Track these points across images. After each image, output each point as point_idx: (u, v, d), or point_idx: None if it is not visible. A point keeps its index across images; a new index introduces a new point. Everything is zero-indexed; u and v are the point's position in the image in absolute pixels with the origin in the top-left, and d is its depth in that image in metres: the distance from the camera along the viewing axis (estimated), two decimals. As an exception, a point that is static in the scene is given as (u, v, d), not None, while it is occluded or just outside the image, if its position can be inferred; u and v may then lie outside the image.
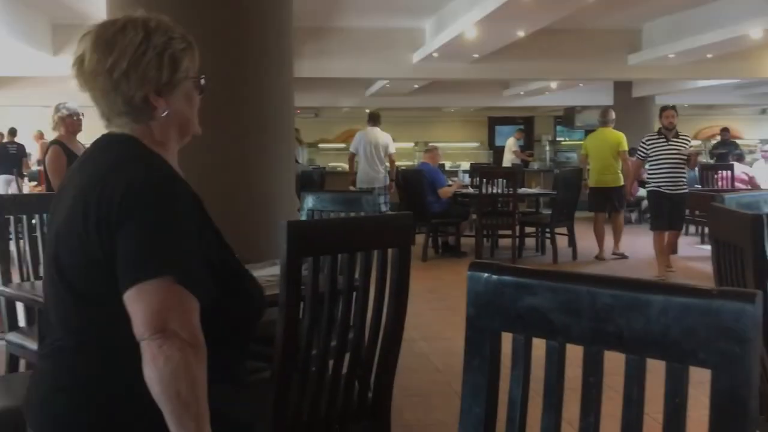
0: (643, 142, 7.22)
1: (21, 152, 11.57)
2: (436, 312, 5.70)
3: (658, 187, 7.02)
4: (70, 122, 4.95)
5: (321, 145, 18.82)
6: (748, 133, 18.25)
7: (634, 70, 10.77)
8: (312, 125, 18.76)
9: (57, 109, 5.01)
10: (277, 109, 3.72)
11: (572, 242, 8.24)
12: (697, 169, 10.73)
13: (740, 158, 11.67)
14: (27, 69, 10.45)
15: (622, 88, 14.00)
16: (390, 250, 2.08)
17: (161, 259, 1.31)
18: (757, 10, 8.16)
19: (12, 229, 3.21)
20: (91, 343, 1.38)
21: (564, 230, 8.24)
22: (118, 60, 1.36)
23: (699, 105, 17.62)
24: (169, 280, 1.28)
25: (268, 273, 2.69)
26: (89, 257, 1.33)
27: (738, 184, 10.36)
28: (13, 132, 12.14)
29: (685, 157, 7.03)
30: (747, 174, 11.05)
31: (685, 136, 7.25)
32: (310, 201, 3.32)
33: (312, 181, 8.98)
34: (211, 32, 3.49)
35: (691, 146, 7.26)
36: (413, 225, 6.49)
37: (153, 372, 1.25)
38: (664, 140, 7.05)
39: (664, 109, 7.25)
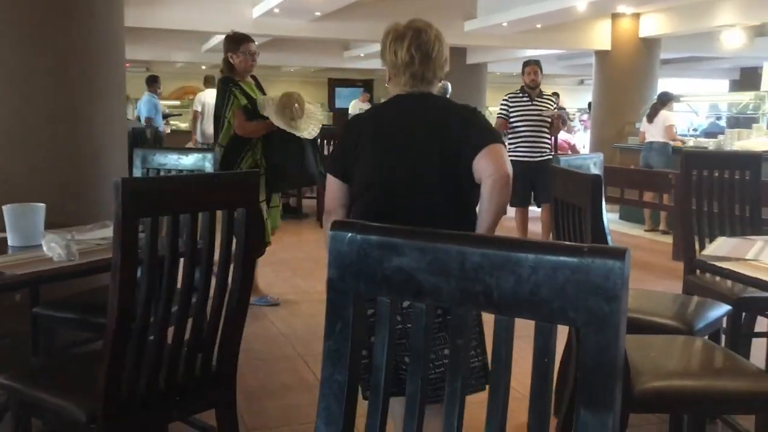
0: (504, 100, 6.28)
1: None
2: (278, 274, 5.60)
3: (520, 155, 6.06)
4: None
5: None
6: (568, 102, 19.51)
7: (470, 37, 11.09)
8: (144, 80, 17.71)
9: None
10: (105, 60, 3.41)
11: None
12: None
13: (563, 123, 12.47)
14: None
15: (457, 54, 14.40)
16: (235, 210, 1.95)
17: (497, 135, 2.23)
18: (583, -16, 8.65)
19: None
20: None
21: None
22: (444, 51, 2.31)
23: (526, 74, 18.55)
24: (501, 145, 2.17)
25: (98, 236, 2.46)
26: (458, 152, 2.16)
27: (560, 151, 11.07)
28: None
29: (549, 120, 6.14)
30: (568, 142, 11.85)
31: (549, 96, 6.34)
32: (144, 158, 3.07)
33: (145, 138, 8.47)
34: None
35: (555, 107, 6.34)
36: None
37: (499, 196, 2.13)
38: (528, 100, 6.12)
39: (526, 64, 6.28)
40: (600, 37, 11.29)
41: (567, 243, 0.92)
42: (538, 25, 10.47)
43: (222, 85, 4.35)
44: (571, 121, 15.05)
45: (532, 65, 6.21)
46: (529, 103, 6.12)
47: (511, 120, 6.15)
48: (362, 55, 14.92)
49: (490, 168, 2.10)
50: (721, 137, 8.88)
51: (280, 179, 4.43)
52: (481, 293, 0.95)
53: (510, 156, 6.13)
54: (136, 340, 1.78)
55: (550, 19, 9.92)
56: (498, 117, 6.34)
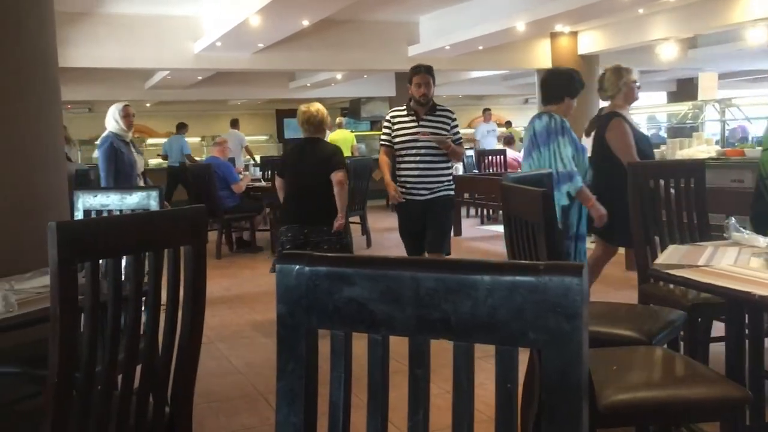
0: (387, 120, 4.67)
1: None
2: (233, 311, 5.48)
3: (406, 192, 4.59)
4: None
5: (99, 143, 17.49)
6: (515, 121, 19.87)
7: (414, 61, 11.17)
8: (86, 121, 17.36)
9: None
10: (42, 103, 3.31)
11: (365, 230, 8.38)
12: (471, 154, 11.37)
13: (510, 142, 12.62)
14: None
15: (403, 79, 14.52)
16: (182, 248, 1.88)
17: (343, 164, 4.84)
18: (522, 5, 8.83)
19: None
20: None
21: (357, 219, 8.36)
22: (324, 120, 5.04)
23: (471, 95, 18.87)
24: (343, 170, 4.82)
25: (38, 284, 2.36)
26: (327, 170, 4.83)
27: (509, 170, 11.20)
28: None
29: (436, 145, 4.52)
30: (518, 160, 11.99)
31: (447, 111, 4.64)
32: (86, 200, 2.97)
33: (88, 180, 8.29)
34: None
35: (453, 127, 4.63)
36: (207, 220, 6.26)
37: (342, 195, 4.77)
38: (414, 120, 4.55)
39: (415, 71, 4.59)
40: (541, 55, 11.53)
41: (522, 262, 0.89)
42: (480, 47, 10.64)
43: None
44: (521, 142, 15.02)
45: (422, 74, 4.56)
46: (415, 124, 4.57)
47: (396, 147, 4.62)
48: (308, 84, 14.93)
49: (338, 179, 4.69)
50: (663, 147, 9.08)
51: None
52: (438, 320, 0.91)
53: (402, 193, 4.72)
54: (81, 391, 1.68)
55: (491, 40, 10.09)
56: (381, 144, 4.78)
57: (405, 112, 4.63)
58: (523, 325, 0.86)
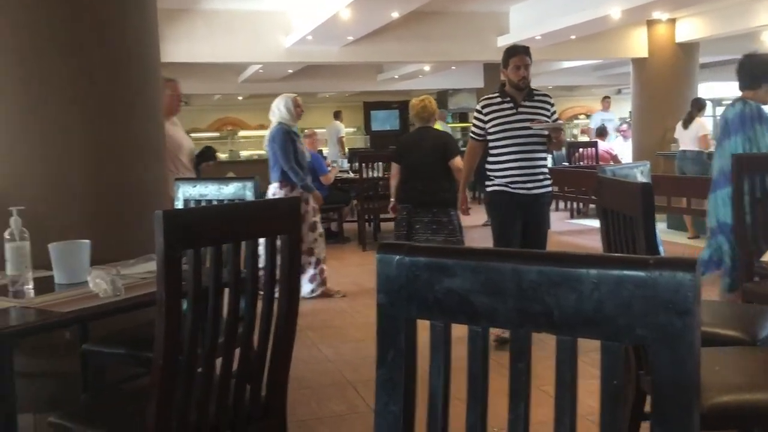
0: (478, 111, 4.30)
1: None
2: (322, 300, 5.58)
3: (504, 184, 4.20)
4: None
5: (193, 135, 18.17)
6: (606, 113, 19.28)
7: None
8: (182, 114, 18.04)
9: None
10: (146, 98, 3.46)
11: (453, 222, 8.36)
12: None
13: (602, 134, 12.23)
14: None
15: (492, 70, 14.35)
16: (278, 238, 1.93)
17: (457, 150, 5.52)
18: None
19: None
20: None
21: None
22: (430, 109, 5.75)
23: (562, 86, 18.46)
24: (459, 156, 5.25)
25: (143, 270, 2.47)
26: (443, 155, 5.45)
27: (601, 163, 10.88)
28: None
29: (546, 134, 4.17)
30: (610, 152, 11.63)
31: (545, 96, 4.31)
32: (185, 190, 3.08)
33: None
34: (71, 16, 3.19)
35: (554, 113, 4.29)
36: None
37: (459, 175, 5.03)
38: (512, 107, 4.18)
39: (511, 53, 4.24)
40: (636, 44, 11.14)
41: (630, 255, 0.86)
42: (573, 36, 10.38)
43: None
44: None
45: (521, 55, 4.21)
46: (513, 111, 4.19)
47: (491, 138, 4.25)
48: (396, 76, 14.98)
49: (456, 165, 5.17)
50: (769, 139, 8.64)
51: None
52: (541, 313, 0.89)
53: (492, 187, 4.28)
54: (185, 374, 1.75)
55: (584, 29, 9.83)
56: (471, 138, 4.43)
57: (499, 99, 4.23)
58: (630, 320, 0.84)
